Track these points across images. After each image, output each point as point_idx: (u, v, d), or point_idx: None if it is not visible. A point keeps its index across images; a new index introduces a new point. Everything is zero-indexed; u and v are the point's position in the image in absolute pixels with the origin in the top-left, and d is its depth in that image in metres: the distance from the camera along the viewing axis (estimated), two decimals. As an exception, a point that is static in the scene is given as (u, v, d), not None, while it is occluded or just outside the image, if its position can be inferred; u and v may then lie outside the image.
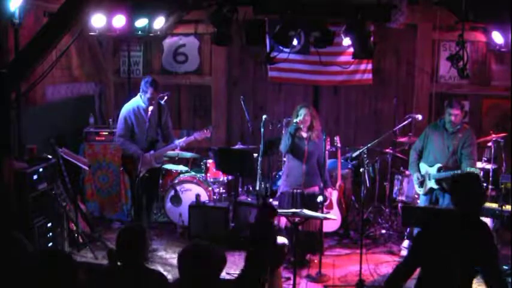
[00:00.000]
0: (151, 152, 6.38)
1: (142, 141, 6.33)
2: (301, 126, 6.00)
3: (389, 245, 6.80)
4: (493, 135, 6.76)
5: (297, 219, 5.39)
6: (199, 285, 3.12)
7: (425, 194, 6.23)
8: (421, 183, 6.22)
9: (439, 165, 6.04)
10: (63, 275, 2.96)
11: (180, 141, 6.47)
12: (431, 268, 3.43)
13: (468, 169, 5.81)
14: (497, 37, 7.11)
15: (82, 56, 7.69)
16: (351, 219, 7.34)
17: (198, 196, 7.03)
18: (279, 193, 6.26)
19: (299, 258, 5.80)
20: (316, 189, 6.08)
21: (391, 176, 7.30)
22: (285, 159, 6.54)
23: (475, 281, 3.45)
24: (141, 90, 6.33)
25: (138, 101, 6.36)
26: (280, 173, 7.20)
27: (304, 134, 6.06)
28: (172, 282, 3.43)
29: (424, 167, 6.24)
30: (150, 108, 6.22)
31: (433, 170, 6.09)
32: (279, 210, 5.94)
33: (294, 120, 5.99)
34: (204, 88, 8.49)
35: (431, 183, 6.11)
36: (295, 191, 6.05)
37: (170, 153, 7.02)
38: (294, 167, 6.09)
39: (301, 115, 5.98)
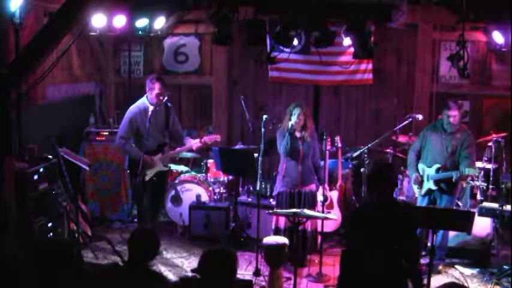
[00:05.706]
0: (159, 155, 6.27)
1: (148, 143, 6.19)
2: (296, 127, 6.00)
3: (390, 244, 6.80)
4: (494, 135, 6.76)
5: (297, 220, 5.39)
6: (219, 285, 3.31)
7: (423, 196, 6.21)
8: (420, 184, 6.20)
9: (437, 165, 6.03)
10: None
11: (194, 142, 6.37)
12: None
13: (467, 169, 5.81)
14: (498, 37, 7.11)
15: (82, 55, 7.69)
16: (351, 219, 7.33)
17: (198, 196, 7.03)
18: (275, 192, 6.26)
19: (299, 258, 5.81)
20: (313, 187, 6.12)
21: (391, 175, 7.29)
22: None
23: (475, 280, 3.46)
24: (147, 89, 6.23)
25: (144, 102, 6.23)
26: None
27: (298, 134, 6.06)
28: (174, 282, 3.45)
29: (422, 167, 6.22)
30: (151, 108, 6.09)
31: (431, 171, 6.07)
32: (278, 210, 5.96)
33: (290, 123, 5.98)
34: (205, 88, 8.47)
35: (429, 184, 6.09)
36: (292, 190, 6.06)
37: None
38: (290, 168, 6.08)
39: (295, 115, 5.97)
